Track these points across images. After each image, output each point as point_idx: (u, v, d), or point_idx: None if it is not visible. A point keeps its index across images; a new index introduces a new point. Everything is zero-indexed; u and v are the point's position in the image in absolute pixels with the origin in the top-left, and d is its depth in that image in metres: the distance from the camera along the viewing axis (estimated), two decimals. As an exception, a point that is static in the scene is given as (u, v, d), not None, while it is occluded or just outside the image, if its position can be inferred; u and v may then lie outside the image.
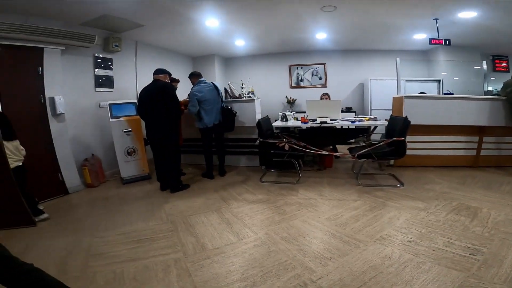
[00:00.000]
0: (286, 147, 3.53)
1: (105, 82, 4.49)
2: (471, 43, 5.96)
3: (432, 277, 1.59)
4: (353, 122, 4.12)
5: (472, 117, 3.95)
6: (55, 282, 1.36)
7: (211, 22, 4.42)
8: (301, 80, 7.61)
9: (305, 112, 4.38)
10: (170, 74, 3.61)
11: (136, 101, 4.10)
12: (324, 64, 7.41)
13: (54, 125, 3.59)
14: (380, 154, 3.37)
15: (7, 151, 2.60)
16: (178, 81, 4.13)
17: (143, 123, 3.68)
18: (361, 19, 4.68)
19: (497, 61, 6.94)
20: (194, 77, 3.95)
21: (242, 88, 4.95)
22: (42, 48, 3.44)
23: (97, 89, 4.38)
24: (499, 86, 4.51)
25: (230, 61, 7.78)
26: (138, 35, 4.82)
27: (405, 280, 1.57)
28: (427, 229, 2.22)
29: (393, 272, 1.66)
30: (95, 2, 3.31)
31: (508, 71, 6.62)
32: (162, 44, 5.75)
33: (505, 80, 3.90)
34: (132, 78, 5.12)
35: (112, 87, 4.62)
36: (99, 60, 4.38)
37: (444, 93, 5.67)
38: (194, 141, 4.58)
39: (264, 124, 3.78)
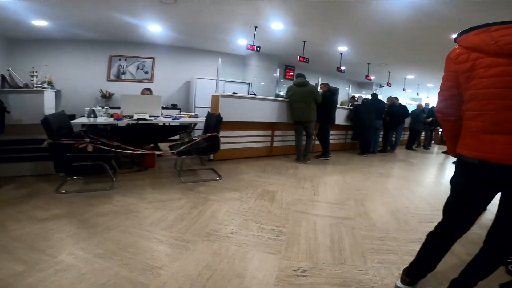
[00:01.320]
0: (89, 148, 2.90)
1: None
2: (273, 52, 7.43)
3: (257, 264, 1.77)
4: (174, 118, 4.05)
5: (268, 115, 4.93)
6: None
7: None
8: (123, 73, 6.77)
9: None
10: None
11: None
12: (153, 58, 7.03)
13: None
14: (199, 149, 3.50)
15: None
16: None
17: None
18: (196, 18, 4.77)
19: (287, 70, 9.10)
20: None
21: (32, 76, 3.64)
22: None
23: None
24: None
25: (20, 43, 5.80)
26: None
27: (238, 273, 1.66)
28: (243, 217, 2.49)
29: (225, 267, 1.71)
30: None
31: (294, 79, 8.84)
32: None
33: (289, 85, 5.14)
34: None
35: None
36: None
37: (250, 94, 6.77)
38: None
39: (55, 122, 2.87)
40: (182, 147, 3.38)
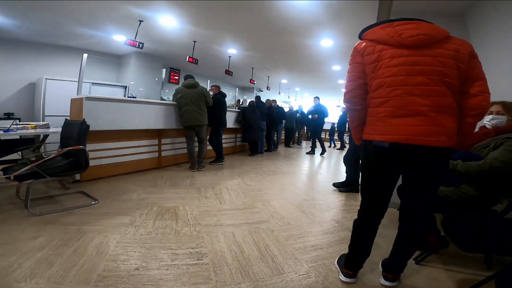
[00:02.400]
0: None
1: None
2: (158, 52, 6.60)
3: None
4: (7, 130, 2.87)
5: (153, 121, 4.22)
6: None
7: None
8: None
9: None
10: None
11: None
12: None
13: None
14: (55, 170, 2.53)
15: None
16: None
17: None
18: (49, 4, 3.64)
19: (172, 74, 8.32)
20: None
21: None
22: None
23: None
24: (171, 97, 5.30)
25: None
26: None
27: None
28: (145, 246, 1.90)
29: None
30: None
31: (179, 83, 8.15)
32: None
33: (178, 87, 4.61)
34: None
35: None
36: None
37: (128, 97, 5.76)
38: None
39: None
40: (24, 169, 2.35)
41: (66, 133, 2.91)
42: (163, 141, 4.54)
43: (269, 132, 7.42)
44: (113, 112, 3.66)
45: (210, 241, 2.02)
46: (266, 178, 4.27)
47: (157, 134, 4.41)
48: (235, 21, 4.68)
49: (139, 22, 4.61)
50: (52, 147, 3.77)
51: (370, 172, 1.46)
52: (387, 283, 1.54)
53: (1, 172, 2.46)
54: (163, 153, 4.56)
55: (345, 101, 1.51)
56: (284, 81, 11.06)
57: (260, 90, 12.54)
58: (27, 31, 5.15)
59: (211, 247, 1.93)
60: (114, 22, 4.71)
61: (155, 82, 7.16)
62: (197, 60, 6.28)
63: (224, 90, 5.47)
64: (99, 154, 3.61)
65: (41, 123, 3.57)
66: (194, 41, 5.77)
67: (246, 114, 6.22)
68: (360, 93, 1.44)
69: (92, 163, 3.22)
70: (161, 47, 6.33)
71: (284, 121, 8.64)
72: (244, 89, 12.90)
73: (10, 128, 2.96)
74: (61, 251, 1.77)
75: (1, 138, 3.04)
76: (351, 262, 1.57)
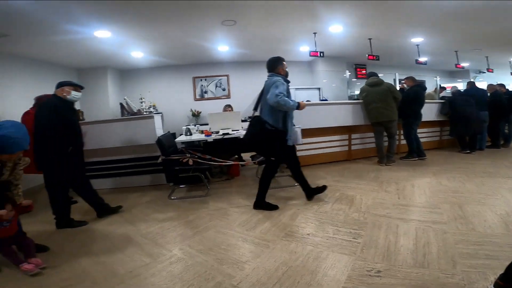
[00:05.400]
0: (190, 162, 3.51)
1: None
2: (339, 54, 7.27)
3: (330, 264, 1.87)
4: None
5: (342, 119, 4.86)
6: None
7: (101, 33, 4.13)
8: (205, 92, 7.71)
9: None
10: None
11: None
12: (227, 75, 7.70)
13: None
14: None
15: None
16: None
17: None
18: (257, 33, 5.20)
19: (358, 69, 8.72)
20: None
21: (141, 103, 4.65)
22: None
23: None
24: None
25: (126, 73, 7.27)
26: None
27: (311, 270, 1.80)
28: (320, 220, 2.60)
29: (300, 264, 1.88)
30: None
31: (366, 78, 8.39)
32: (37, 56, 4.98)
33: (362, 86, 4.95)
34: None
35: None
36: None
37: (321, 100, 6.74)
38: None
39: (166, 141, 3.67)
40: (259, 158, 3.72)
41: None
42: (353, 136, 5.04)
43: (496, 124, 5.72)
44: (311, 114, 4.63)
45: (371, 228, 2.37)
46: (474, 180, 3.61)
47: (347, 130, 4.99)
48: (408, 11, 4.28)
49: (313, 34, 5.31)
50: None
51: None
52: None
53: (250, 159, 4.04)
54: (353, 147, 5.07)
55: None
56: (514, 58, 7.85)
57: (480, 72, 9.50)
58: (251, 55, 6.86)
59: (370, 232, 2.30)
60: (297, 37, 5.63)
61: (341, 82, 7.61)
62: (378, 56, 6.10)
63: (423, 78, 5.03)
64: (301, 147, 4.68)
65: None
66: (370, 39, 5.68)
67: (456, 104, 5.24)
68: None
69: (298, 154, 4.30)
70: (340, 49, 6.69)
71: None
72: (452, 74, 10.30)
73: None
74: (272, 214, 2.84)
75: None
76: (508, 275, 1.41)
